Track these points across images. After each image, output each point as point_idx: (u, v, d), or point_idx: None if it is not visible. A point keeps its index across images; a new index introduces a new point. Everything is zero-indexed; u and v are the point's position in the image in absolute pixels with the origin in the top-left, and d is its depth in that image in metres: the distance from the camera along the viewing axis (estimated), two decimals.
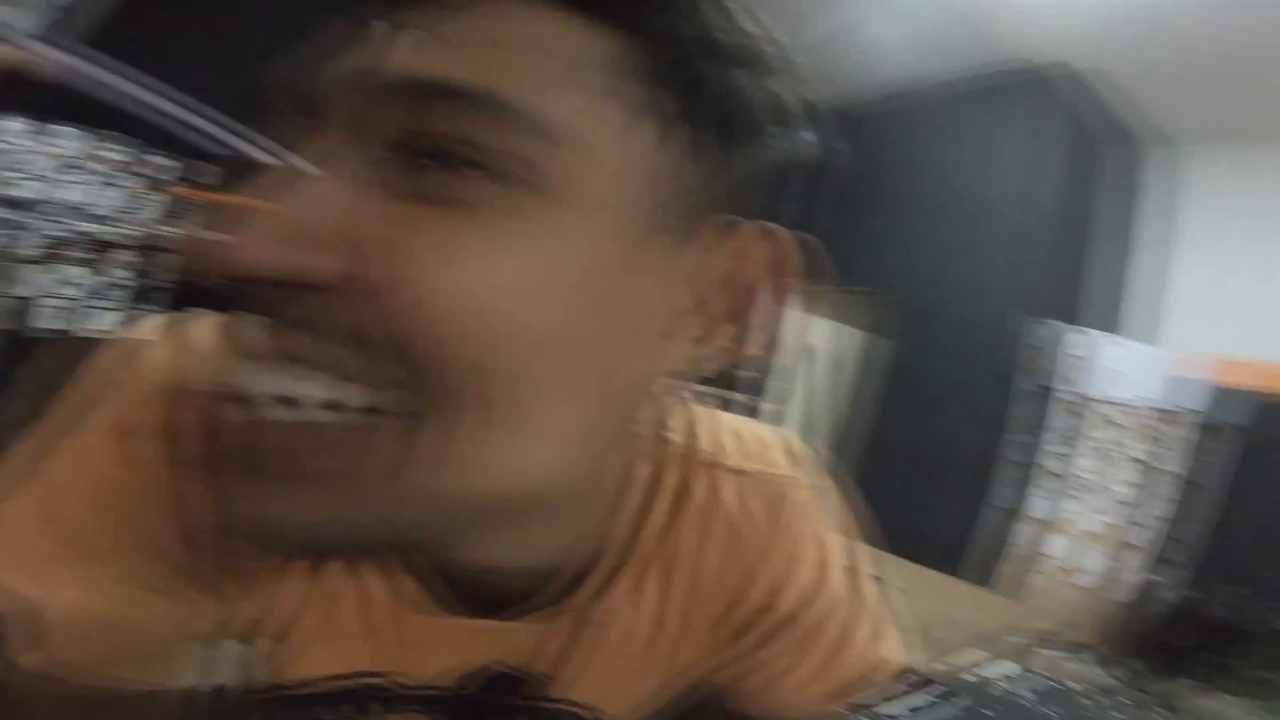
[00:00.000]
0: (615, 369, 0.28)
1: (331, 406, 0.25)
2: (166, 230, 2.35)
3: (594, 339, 0.27)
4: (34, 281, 2.08)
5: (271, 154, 0.29)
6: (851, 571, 0.43)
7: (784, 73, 0.32)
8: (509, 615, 0.38)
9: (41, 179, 2.12)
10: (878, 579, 0.45)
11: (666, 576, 0.39)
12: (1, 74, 2.21)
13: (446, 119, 0.24)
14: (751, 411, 3.90)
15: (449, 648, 0.38)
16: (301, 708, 0.39)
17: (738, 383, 3.86)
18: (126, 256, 2.30)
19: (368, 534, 0.26)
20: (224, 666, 0.39)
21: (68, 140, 2.16)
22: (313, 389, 0.25)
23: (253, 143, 2.41)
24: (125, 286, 2.30)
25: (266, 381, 0.25)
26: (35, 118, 2.10)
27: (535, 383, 0.25)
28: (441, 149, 0.25)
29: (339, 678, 0.39)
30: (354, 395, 0.25)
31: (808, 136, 0.33)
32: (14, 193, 2.07)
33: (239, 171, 2.44)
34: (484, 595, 0.37)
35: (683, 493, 0.40)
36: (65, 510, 0.34)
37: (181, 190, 2.39)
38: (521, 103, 0.25)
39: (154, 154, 2.32)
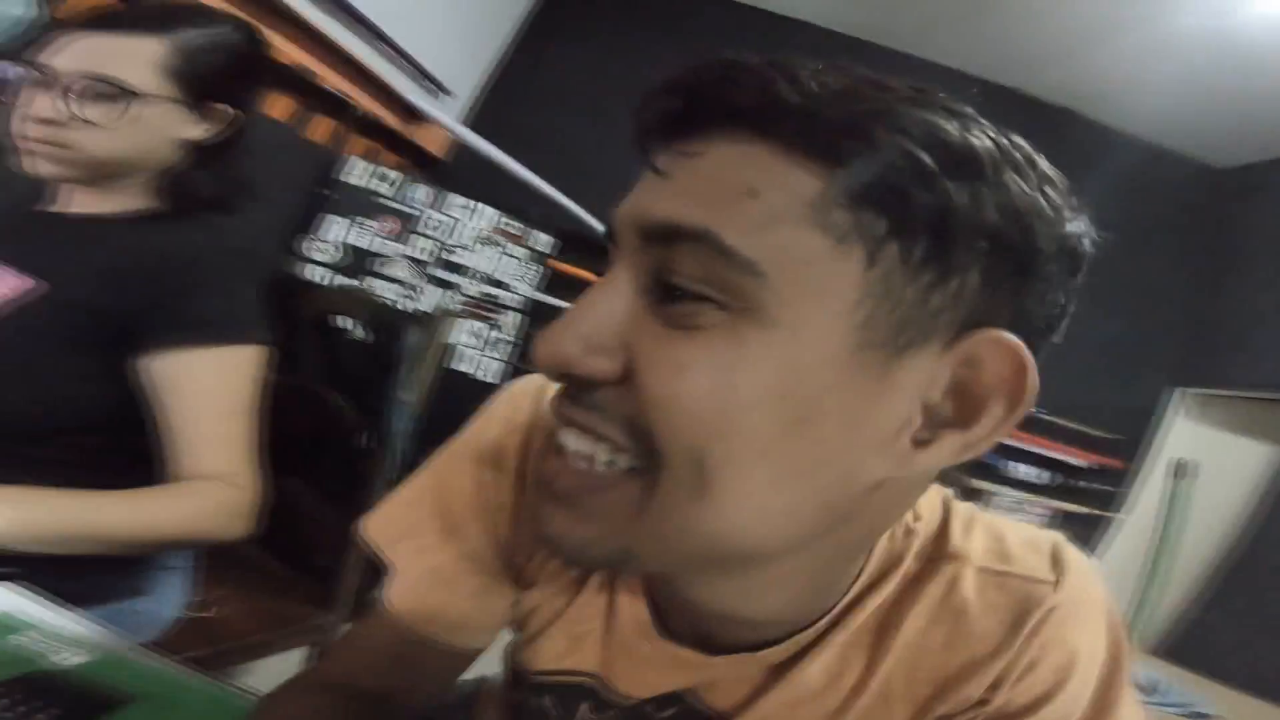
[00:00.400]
0: (822, 463, 0.31)
1: (607, 464, 0.32)
2: (541, 298, 2.84)
3: (797, 438, 0.30)
4: (456, 329, 2.65)
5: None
6: (1106, 688, 0.40)
7: (1012, 171, 0.30)
8: (713, 651, 0.42)
9: (467, 248, 2.71)
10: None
11: (877, 651, 0.40)
12: (431, 153, 2.91)
13: (681, 255, 0.30)
14: (1092, 521, 3.31)
15: (656, 668, 0.44)
16: (533, 691, 0.48)
17: (1084, 491, 3.33)
18: (512, 318, 2.82)
19: (617, 556, 0.33)
20: (497, 641, 0.51)
21: (486, 215, 2.73)
22: (595, 449, 0.32)
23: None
24: (508, 343, 2.82)
25: (570, 439, 0.33)
26: (451, 191, 2.69)
27: (740, 467, 0.30)
28: (680, 282, 0.30)
29: (567, 672, 0.47)
30: (621, 459, 0.32)
31: (1055, 230, 0.31)
32: (454, 258, 2.69)
33: (594, 250, 2.85)
34: (699, 630, 0.42)
35: (918, 579, 0.41)
36: (446, 497, 0.48)
37: (554, 263, 2.87)
38: (734, 243, 0.29)
39: (538, 230, 2.82)
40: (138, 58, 0.74)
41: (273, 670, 1.04)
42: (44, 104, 0.72)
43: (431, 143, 2.94)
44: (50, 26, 0.78)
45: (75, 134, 0.73)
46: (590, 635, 0.46)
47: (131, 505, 0.69)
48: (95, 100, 0.73)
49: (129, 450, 0.75)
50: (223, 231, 0.83)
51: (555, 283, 2.89)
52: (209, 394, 0.75)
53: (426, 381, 1.06)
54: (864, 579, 0.40)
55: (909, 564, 0.41)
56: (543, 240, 2.85)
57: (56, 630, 0.52)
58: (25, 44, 0.76)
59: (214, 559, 0.97)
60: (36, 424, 0.74)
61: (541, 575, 0.47)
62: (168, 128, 0.78)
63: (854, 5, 3.05)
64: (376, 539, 0.49)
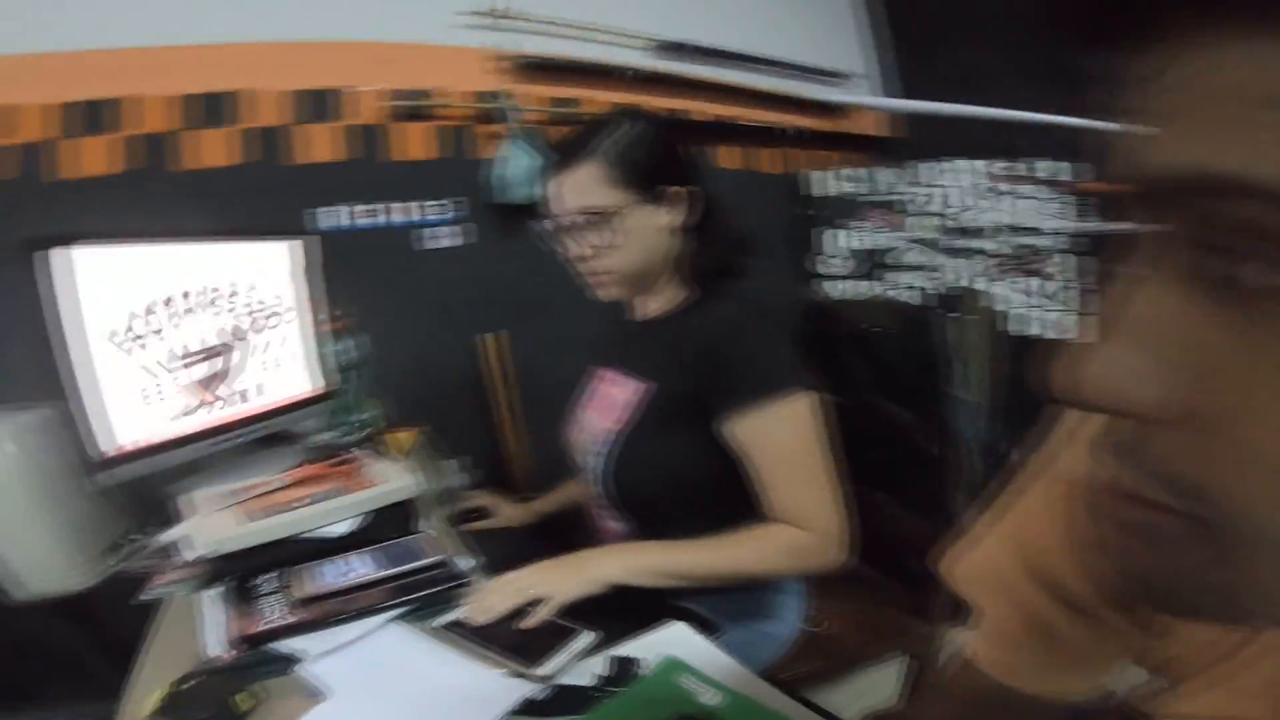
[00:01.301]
0: None
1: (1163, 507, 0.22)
2: (1084, 227, 2.28)
3: None
4: (998, 295, 2.32)
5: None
6: None
7: None
8: None
9: (971, 208, 2.37)
10: None
11: None
12: (872, 135, 2.66)
13: (1234, 225, 0.18)
14: None
15: None
16: None
17: None
18: (1059, 259, 2.32)
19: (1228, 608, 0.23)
20: (1115, 688, 0.43)
21: (967, 169, 2.40)
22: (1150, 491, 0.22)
23: (1091, 123, 2.10)
24: (1067, 287, 2.32)
25: (1126, 478, 0.23)
26: (916, 161, 2.43)
27: None
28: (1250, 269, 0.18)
29: None
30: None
31: None
32: (964, 223, 2.40)
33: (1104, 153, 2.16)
34: None
35: None
36: (1030, 540, 0.42)
37: (1080, 185, 2.27)
38: None
39: (1037, 160, 2.33)
40: (589, 182, 0.85)
41: (872, 682, 1.02)
42: (570, 245, 0.88)
43: (867, 126, 2.77)
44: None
45: (599, 261, 0.86)
46: (1245, 690, 0.36)
47: (714, 552, 0.81)
48: (592, 229, 0.84)
49: (733, 499, 0.87)
50: (741, 296, 0.87)
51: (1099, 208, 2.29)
52: (777, 445, 0.83)
53: (984, 376, 0.93)
54: None
55: None
56: (1048, 167, 2.30)
57: (705, 673, 0.56)
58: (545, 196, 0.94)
59: (823, 578, 1.00)
60: (666, 487, 0.91)
61: (1171, 620, 0.39)
62: (650, 225, 0.86)
63: None
64: (955, 579, 0.46)
